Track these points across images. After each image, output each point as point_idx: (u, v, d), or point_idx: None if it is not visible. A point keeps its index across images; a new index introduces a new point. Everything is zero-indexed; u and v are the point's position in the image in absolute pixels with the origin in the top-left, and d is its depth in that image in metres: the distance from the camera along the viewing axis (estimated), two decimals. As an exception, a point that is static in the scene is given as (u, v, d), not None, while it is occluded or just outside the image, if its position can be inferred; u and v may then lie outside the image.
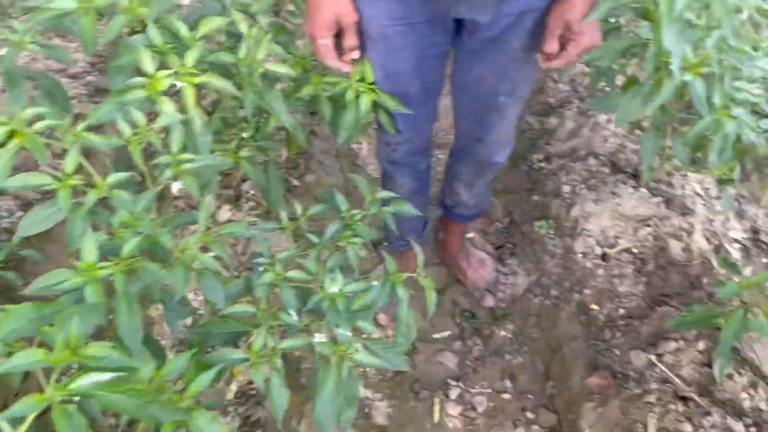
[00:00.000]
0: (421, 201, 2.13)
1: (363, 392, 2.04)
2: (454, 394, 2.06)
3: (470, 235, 2.49)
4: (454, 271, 2.40)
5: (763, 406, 1.71)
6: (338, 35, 1.48)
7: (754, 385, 1.74)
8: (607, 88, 2.00)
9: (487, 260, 2.37)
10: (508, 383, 2.09)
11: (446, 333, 2.27)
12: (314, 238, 1.37)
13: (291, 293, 1.22)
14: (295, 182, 2.49)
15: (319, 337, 1.27)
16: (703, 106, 1.46)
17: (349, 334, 1.20)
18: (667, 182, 2.31)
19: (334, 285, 1.24)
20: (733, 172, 1.93)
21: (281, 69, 1.57)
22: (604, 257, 2.14)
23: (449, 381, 2.10)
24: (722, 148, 1.48)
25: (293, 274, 1.27)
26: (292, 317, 1.21)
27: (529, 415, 1.99)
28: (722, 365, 1.62)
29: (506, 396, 2.06)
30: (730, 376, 1.75)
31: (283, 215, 1.45)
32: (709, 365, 1.75)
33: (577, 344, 2.00)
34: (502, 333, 2.23)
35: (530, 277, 2.32)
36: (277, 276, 1.25)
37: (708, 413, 1.66)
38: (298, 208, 1.44)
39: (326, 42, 1.44)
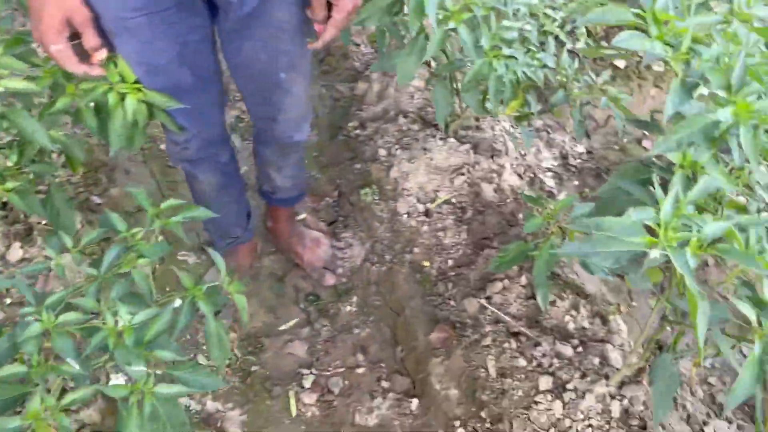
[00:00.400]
0: (234, 194, 2.01)
1: (212, 406, 1.92)
2: (308, 382, 2.01)
3: (302, 216, 2.41)
4: (291, 256, 2.32)
5: (586, 324, 1.83)
6: (76, 36, 1.31)
7: (575, 307, 1.85)
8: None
9: (321, 239, 2.31)
10: (360, 357, 2.07)
11: (292, 322, 2.19)
12: (91, 270, 1.22)
13: (66, 341, 1.08)
14: (97, 200, 2.26)
15: (115, 379, 1.14)
16: (472, 51, 1.46)
17: (143, 368, 1.08)
18: (476, 127, 2.37)
19: (118, 318, 1.11)
20: (524, 108, 2.00)
21: (19, 85, 1.37)
22: (427, 213, 2.16)
23: (301, 370, 2.04)
24: (498, 90, 1.50)
25: (68, 317, 1.12)
26: (73, 367, 1.07)
27: (384, 384, 1.99)
28: (543, 295, 1.69)
29: (360, 370, 2.04)
30: (553, 303, 1.84)
31: (67, 244, 1.29)
32: (534, 297, 1.82)
33: (416, 303, 2.02)
34: (348, 308, 2.20)
35: (365, 246, 2.30)
36: (47, 324, 1.10)
37: (538, 343, 1.74)
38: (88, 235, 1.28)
39: (60, 47, 1.26)
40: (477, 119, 2.40)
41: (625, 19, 1.26)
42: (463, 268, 2.00)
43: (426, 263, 2.08)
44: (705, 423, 1.68)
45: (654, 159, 1.35)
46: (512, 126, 2.51)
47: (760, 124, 1.12)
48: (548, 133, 2.83)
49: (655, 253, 1.02)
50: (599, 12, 1.24)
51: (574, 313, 1.84)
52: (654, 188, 1.15)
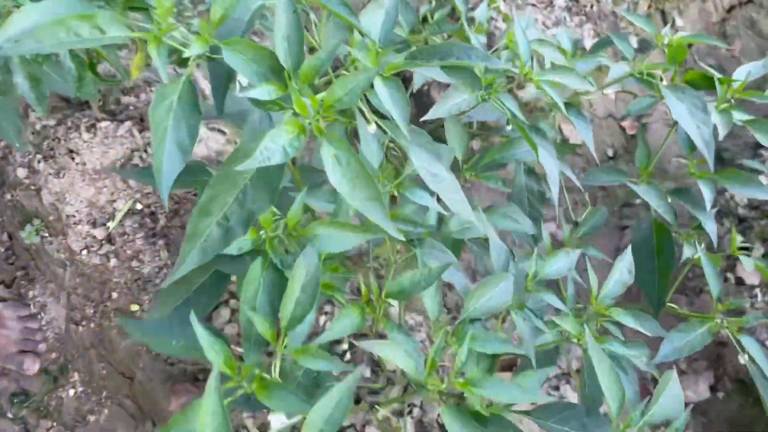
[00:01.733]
0: None
1: None
2: None
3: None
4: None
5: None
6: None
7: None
8: None
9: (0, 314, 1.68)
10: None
11: (9, 439, 1.62)
12: None
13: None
14: None
15: None
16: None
17: None
18: (130, 91, 1.72)
19: None
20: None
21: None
22: (110, 239, 1.57)
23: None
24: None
25: None
26: None
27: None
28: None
29: (115, 468, 1.55)
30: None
31: None
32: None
33: (145, 360, 1.51)
34: (72, 392, 1.66)
35: (61, 301, 1.70)
36: None
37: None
38: None
39: None
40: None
41: None
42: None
43: (134, 307, 1.54)
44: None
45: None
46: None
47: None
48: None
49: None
50: None
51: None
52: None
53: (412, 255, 0.83)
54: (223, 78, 0.80)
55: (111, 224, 1.59)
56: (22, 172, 1.68)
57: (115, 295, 1.55)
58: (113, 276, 1.56)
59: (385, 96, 0.71)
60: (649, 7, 2.16)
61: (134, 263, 1.54)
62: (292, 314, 0.71)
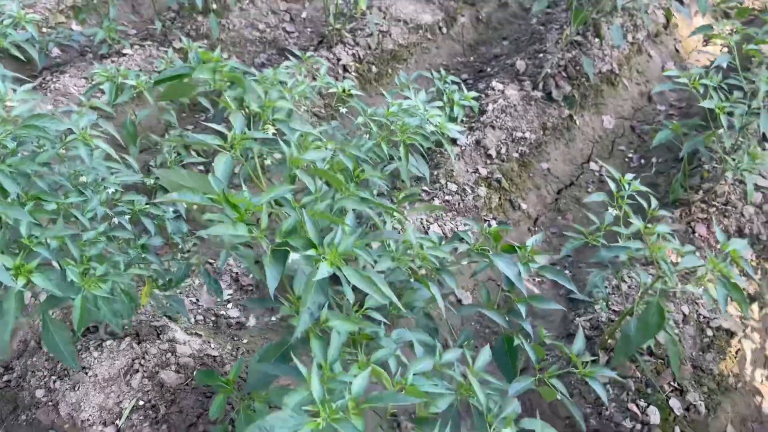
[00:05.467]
0: None
1: None
2: None
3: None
4: None
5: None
6: None
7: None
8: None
9: None
10: None
11: None
12: None
13: None
14: None
15: None
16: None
17: None
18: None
19: None
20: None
21: None
22: (120, 434, 1.96)
23: None
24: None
25: None
26: None
27: None
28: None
29: None
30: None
31: None
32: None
33: None
34: None
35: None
36: None
37: None
38: None
39: None
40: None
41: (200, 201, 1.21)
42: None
43: (144, 485, 1.90)
44: None
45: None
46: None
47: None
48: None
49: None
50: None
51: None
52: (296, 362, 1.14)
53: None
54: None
55: (119, 421, 2.00)
56: (40, 393, 2.09)
57: (131, 482, 1.91)
58: (127, 465, 1.93)
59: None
60: (500, 198, 2.99)
61: (143, 449, 1.93)
62: None
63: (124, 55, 3.61)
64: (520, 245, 1.58)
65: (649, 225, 1.87)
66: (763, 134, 2.99)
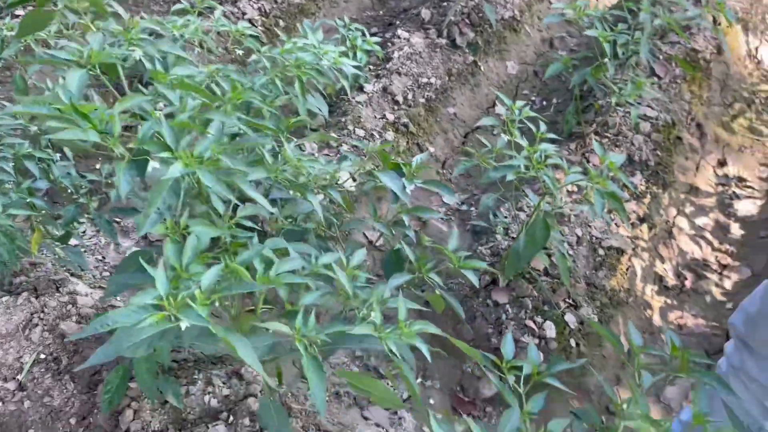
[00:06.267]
0: None
1: None
2: None
3: None
4: None
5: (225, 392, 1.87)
6: None
7: (210, 381, 1.87)
8: None
9: None
10: None
11: None
12: None
13: None
14: None
15: None
16: None
17: None
18: (31, 266, 2.15)
19: None
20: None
21: None
22: (21, 387, 1.92)
23: None
24: None
25: None
26: None
27: None
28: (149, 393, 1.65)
29: None
30: (187, 393, 1.83)
31: None
32: (167, 402, 1.79)
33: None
34: None
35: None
36: None
37: (190, 444, 1.72)
38: None
39: None
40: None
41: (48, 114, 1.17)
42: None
43: (53, 437, 1.87)
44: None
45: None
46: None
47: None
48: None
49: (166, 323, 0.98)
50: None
51: (211, 388, 1.86)
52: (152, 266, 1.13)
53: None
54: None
55: (20, 376, 1.95)
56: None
57: (32, 431, 1.88)
58: (29, 416, 1.89)
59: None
60: (408, 142, 3.04)
61: (46, 399, 1.90)
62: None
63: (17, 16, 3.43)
64: (405, 162, 1.63)
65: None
66: (652, 69, 3.16)
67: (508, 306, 2.22)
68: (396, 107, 3.14)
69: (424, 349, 1.11)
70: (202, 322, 0.96)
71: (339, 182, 1.97)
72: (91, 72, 1.21)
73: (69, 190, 1.87)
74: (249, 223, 1.20)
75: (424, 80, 3.28)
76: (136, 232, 1.03)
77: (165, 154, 1.01)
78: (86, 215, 2.21)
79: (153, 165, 1.07)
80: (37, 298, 2.08)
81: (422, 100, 3.22)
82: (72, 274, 2.32)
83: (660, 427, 1.05)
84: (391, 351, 1.07)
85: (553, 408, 2.10)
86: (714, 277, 2.71)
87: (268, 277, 1.07)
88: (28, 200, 1.78)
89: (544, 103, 3.48)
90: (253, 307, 1.28)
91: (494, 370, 1.26)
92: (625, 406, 1.12)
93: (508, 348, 1.28)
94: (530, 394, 1.21)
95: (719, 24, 3.44)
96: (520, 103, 2.12)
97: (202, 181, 1.03)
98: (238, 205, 1.22)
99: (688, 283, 2.66)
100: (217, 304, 1.18)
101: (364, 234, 2.69)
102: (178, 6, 2.47)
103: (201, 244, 1.08)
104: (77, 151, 1.95)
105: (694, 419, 1.11)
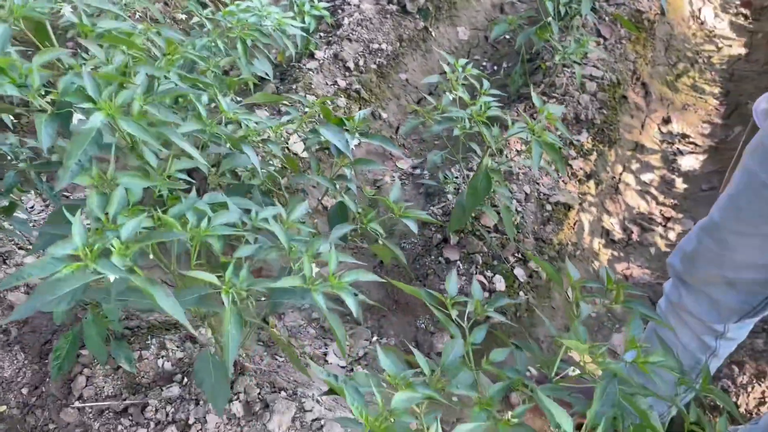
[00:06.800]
0: None
1: None
2: None
3: None
4: None
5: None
6: None
7: (164, 346, 1.87)
8: None
9: None
10: None
11: None
12: None
13: None
14: None
15: None
16: None
17: None
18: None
19: None
20: None
21: None
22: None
23: None
24: None
25: None
26: None
27: None
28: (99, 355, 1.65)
29: None
30: (140, 357, 1.83)
31: None
32: (120, 367, 1.78)
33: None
34: None
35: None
36: None
37: (146, 404, 1.73)
38: None
39: None
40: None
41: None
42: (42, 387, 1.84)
43: (2, 408, 1.86)
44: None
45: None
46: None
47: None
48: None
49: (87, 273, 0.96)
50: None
51: (164, 352, 1.87)
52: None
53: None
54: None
55: (-32, 349, 1.92)
56: None
57: (-19, 401, 1.86)
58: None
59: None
60: (360, 107, 3.05)
61: (-5, 369, 1.88)
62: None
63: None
64: (348, 117, 1.64)
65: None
66: (598, 30, 3.21)
67: (459, 262, 2.27)
68: (347, 74, 3.13)
69: (351, 301, 1.13)
70: (118, 273, 0.95)
71: (287, 143, 1.97)
72: (14, 27, 1.19)
73: (8, 157, 1.83)
74: (185, 176, 1.20)
75: (375, 46, 3.28)
76: (56, 184, 1.01)
77: (86, 105, 1.00)
78: (34, 190, 2.17)
79: (78, 117, 1.06)
80: (-20, 269, 2.04)
81: (374, 66, 3.22)
82: (20, 248, 2.29)
83: (596, 349, 1.10)
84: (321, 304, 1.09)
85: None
86: (659, 229, 2.80)
87: (199, 229, 1.08)
88: (-36, 169, 1.74)
89: (495, 68, 3.51)
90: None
91: (440, 308, 1.30)
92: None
93: (451, 286, 1.32)
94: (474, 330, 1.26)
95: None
96: (463, 61, 2.15)
97: (126, 130, 1.02)
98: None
99: (634, 236, 2.75)
100: (151, 256, 1.18)
101: (317, 198, 2.71)
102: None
103: (132, 196, 1.07)
104: (9, 112, 1.91)
105: (628, 345, 1.16)
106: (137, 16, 2.41)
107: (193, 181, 1.28)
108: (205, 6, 2.72)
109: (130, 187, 1.07)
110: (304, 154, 2.74)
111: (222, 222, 1.15)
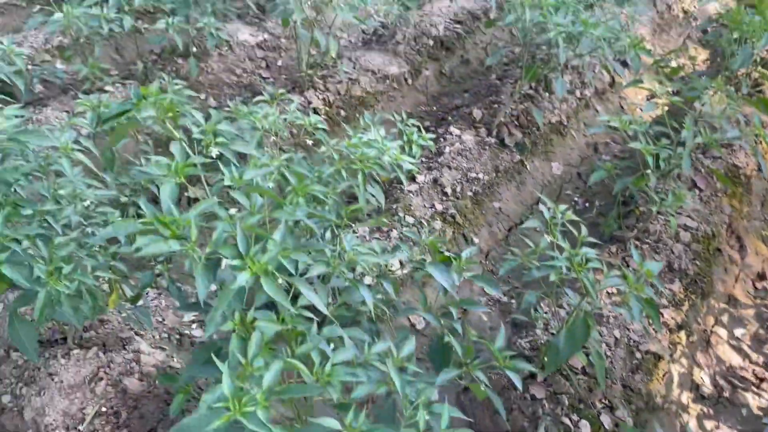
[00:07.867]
0: None
1: None
2: None
3: None
4: None
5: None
6: None
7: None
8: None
9: None
10: None
11: None
12: None
13: None
14: None
15: None
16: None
17: None
18: (100, 323, 2.34)
19: None
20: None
21: None
22: (81, 437, 2.05)
23: None
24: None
25: None
26: None
27: None
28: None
29: None
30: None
31: None
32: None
33: None
34: None
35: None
36: None
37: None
38: None
39: None
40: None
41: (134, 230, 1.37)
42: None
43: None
44: None
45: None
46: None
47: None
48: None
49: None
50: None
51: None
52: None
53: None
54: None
55: (82, 426, 2.09)
56: (6, 398, 2.18)
57: (88, 481, 2.00)
58: (87, 466, 2.02)
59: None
60: (454, 232, 3.21)
61: (103, 452, 2.03)
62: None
63: (106, 92, 3.81)
64: (455, 256, 1.78)
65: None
66: (693, 181, 3.29)
67: (544, 401, 2.28)
68: (445, 198, 3.33)
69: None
70: (264, 429, 1.06)
71: (390, 269, 2.11)
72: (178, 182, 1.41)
73: (146, 258, 2.07)
74: (308, 314, 1.34)
75: (473, 175, 3.48)
76: (205, 333, 1.18)
77: (236, 262, 1.18)
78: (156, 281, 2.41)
79: (225, 264, 1.24)
80: (105, 353, 2.25)
81: (470, 194, 3.40)
82: (136, 333, 2.50)
83: None
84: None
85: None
86: (752, 389, 2.71)
87: (323, 379, 1.20)
88: (111, 264, 1.98)
89: (587, 204, 3.62)
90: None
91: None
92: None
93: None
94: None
95: (761, 143, 3.57)
96: (562, 207, 2.27)
97: (267, 292, 1.19)
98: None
99: (725, 393, 2.67)
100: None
101: (408, 318, 2.82)
102: (260, 98, 2.76)
103: (266, 337, 1.22)
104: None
105: None
106: (271, 140, 2.72)
107: (314, 317, 1.41)
108: (325, 130, 3.01)
109: (265, 331, 1.23)
110: (398, 271, 2.89)
111: (341, 359, 1.28)
